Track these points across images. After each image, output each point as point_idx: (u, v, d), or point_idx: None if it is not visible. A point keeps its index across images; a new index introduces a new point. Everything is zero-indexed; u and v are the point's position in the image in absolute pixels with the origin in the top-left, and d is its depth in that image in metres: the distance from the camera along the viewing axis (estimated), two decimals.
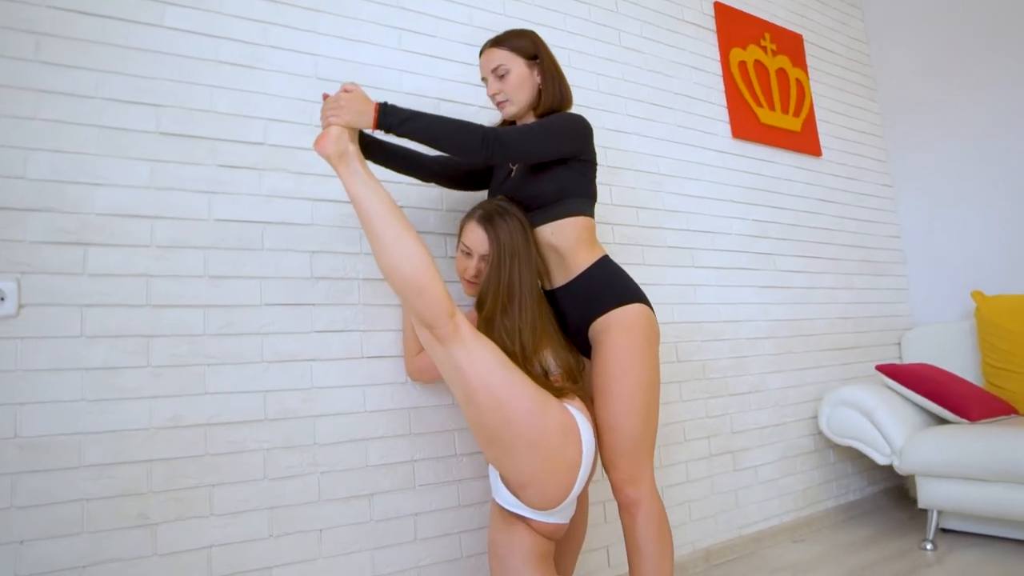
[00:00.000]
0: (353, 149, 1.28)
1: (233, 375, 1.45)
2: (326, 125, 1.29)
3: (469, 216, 1.51)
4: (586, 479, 1.37)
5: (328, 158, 1.27)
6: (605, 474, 1.48)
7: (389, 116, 1.30)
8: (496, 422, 1.27)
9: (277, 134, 1.60)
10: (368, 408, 1.61)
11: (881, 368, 2.41)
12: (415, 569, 1.61)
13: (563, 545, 1.53)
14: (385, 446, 1.62)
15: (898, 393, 2.38)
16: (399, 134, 1.32)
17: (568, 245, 1.50)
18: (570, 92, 1.58)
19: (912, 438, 2.20)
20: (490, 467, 1.47)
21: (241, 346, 1.47)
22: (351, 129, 1.30)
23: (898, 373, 2.36)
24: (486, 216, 1.47)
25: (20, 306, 1.27)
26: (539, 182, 1.49)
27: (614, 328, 1.45)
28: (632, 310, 1.46)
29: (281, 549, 1.45)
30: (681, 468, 2.14)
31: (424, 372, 1.59)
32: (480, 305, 1.43)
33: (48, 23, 1.35)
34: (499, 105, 1.56)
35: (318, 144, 1.27)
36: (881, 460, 2.29)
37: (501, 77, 1.53)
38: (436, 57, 1.88)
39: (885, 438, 2.27)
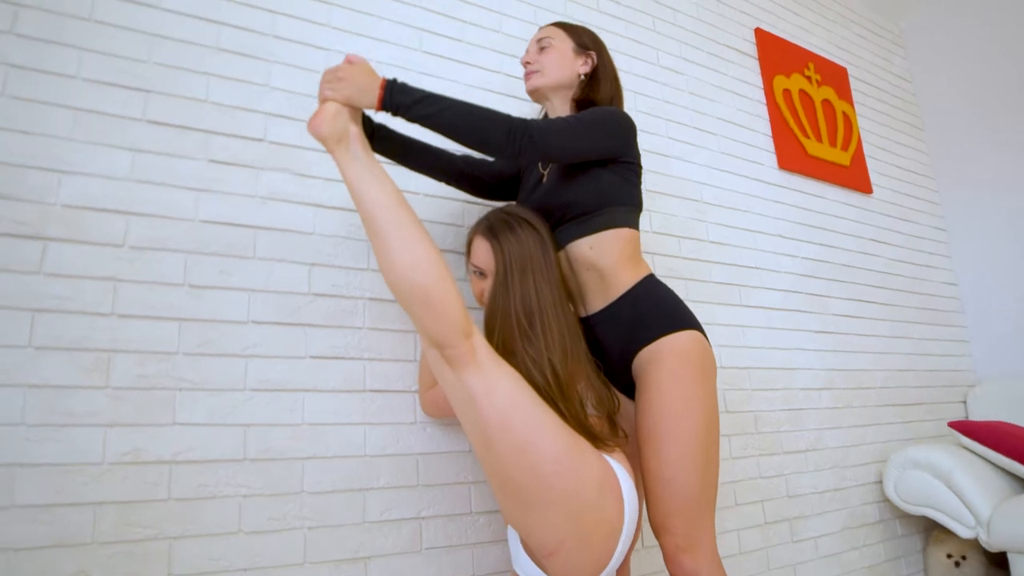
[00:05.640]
0: (355, 131, 1.07)
1: (209, 403, 1.21)
2: (323, 100, 1.08)
3: (474, 229, 1.28)
4: (628, 548, 1.10)
5: (323, 140, 1.05)
6: (656, 540, 1.20)
7: (397, 95, 1.08)
8: (518, 471, 1.00)
9: (279, 131, 1.41)
10: (369, 452, 1.36)
11: (955, 425, 2.11)
12: None
13: None
14: (387, 499, 1.35)
15: (977, 454, 2.07)
16: (408, 118, 1.10)
17: (610, 262, 1.26)
18: (622, 97, 1.40)
19: (1001, 507, 1.87)
20: (509, 529, 1.20)
21: (221, 369, 1.24)
22: (352, 107, 1.09)
23: (976, 431, 2.06)
24: (490, 227, 1.24)
25: None
26: (576, 187, 1.26)
27: (665, 358, 1.20)
28: (685, 337, 1.22)
29: None
30: (733, 537, 1.83)
31: (440, 407, 1.34)
32: (489, 334, 1.15)
33: None
34: (528, 75, 1.37)
35: (312, 123, 1.06)
36: (964, 533, 1.95)
37: (542, 49, 1.37)
38: (461, 62, 1.71)
39: (968, 506, 1.94)
